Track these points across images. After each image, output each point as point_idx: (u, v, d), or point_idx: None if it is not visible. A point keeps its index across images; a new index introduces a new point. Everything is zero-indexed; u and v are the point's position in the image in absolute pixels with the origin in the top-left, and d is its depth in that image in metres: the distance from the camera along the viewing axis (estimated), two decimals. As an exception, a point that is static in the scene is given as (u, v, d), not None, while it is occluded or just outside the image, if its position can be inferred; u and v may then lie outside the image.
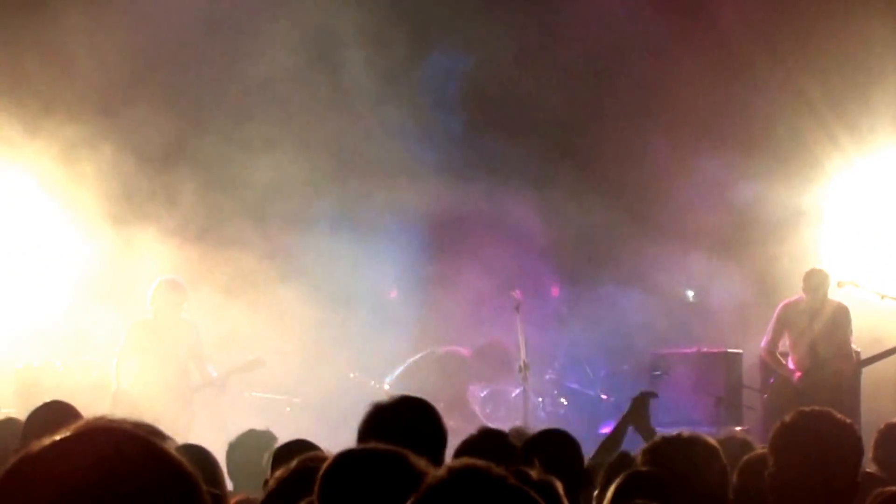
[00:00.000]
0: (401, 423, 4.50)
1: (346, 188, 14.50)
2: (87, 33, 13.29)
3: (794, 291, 12.97)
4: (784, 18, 14.19)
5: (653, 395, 7.51)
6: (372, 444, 3.73)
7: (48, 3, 13.39)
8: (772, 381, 12.83)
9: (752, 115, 14.50)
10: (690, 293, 15.15)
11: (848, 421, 4.47)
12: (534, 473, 4.13)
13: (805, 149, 14.11)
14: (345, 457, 3.64)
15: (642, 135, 14.96)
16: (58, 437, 2.00)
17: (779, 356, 12.51)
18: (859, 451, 4.41)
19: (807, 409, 4.49)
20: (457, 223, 14.82)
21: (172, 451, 2.04)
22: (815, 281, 12.37)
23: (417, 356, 13.20)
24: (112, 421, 2.05)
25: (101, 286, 13.16)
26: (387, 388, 13.18)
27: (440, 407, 12.03)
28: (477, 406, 13.01)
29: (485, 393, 13.26)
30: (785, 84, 14.21)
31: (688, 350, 13.80)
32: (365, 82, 14.31)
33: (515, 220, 14.76)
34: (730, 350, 13.72)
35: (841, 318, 12.35)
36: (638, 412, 7.33)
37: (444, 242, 14.81)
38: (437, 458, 4.33)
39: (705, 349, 13.72)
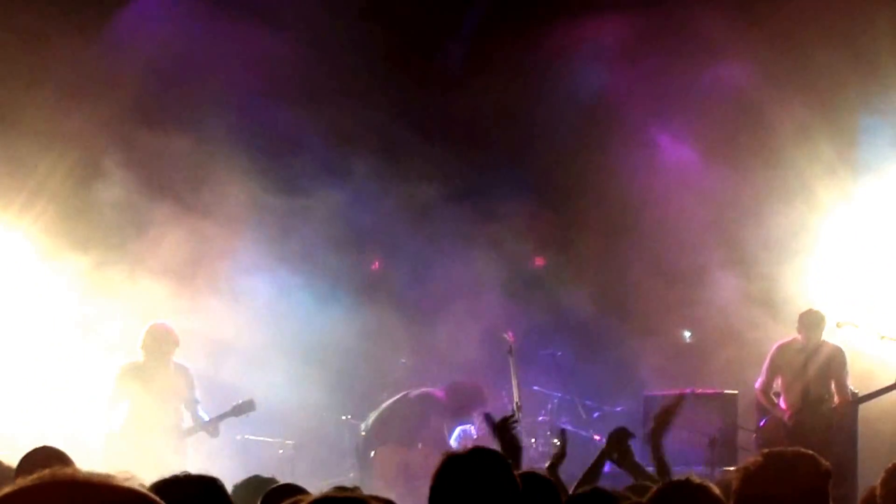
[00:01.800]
0: (474, 474, 4.49)
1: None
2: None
3: (791, 333, 12.99)
4: (782, 47, 14.20)
5: (629, 435, 7.42)
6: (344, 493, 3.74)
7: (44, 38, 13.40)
8: (763, 423, 12.81)
9: (749, 146, 14.50)
10: (687, 333, 15.14)
11: (809, 454, 4.49)
12: None
13: (801, 181, 14.12)
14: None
15: (647, 166, 15.01)
16: (15, 488, 1.98)
17: (772, 397, 12.50)
18: (825, 489, 4.42)
19: (770, 451, 4.52)
20: (448, 266, 14.85)
21: (137, 486, 2.01)
22: (810, 321, 12.38)
23: (391, 400, 13.14)
24: (78, 472, 2.01)
25: (97, 329, 13.13)
26: (363, 433, 13.11)
27: (419, 448, 12.06)
28: (466, 444, 12.94)
29: (479, 434, 13.19)
30: (783, 114, 14.21)
31: (682, 391, 13.74)
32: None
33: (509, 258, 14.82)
34: (725, 391, 13.70)
35: (837, 359, 12.35)
36: (613, 448, 7.30)
37: (436, 285, 14.79)
38: None
39: (699, 390, 13.69)
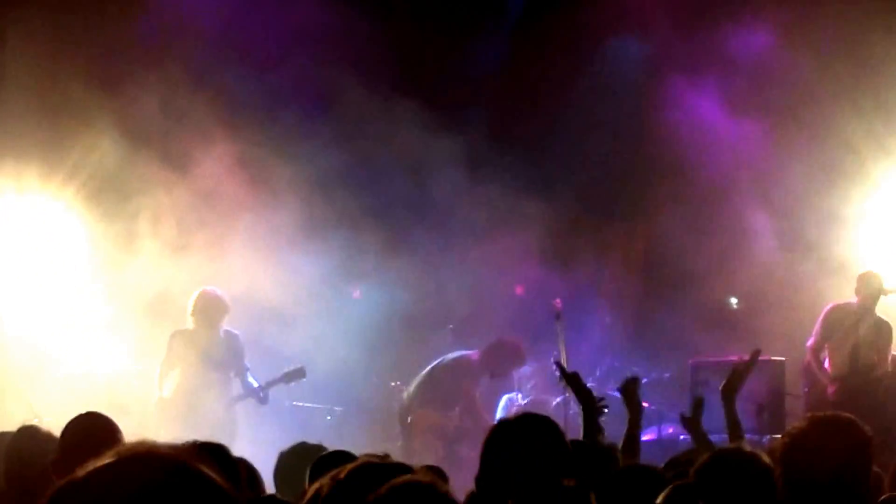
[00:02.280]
0: (523, 440, 4.51)
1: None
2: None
3: (839, 297, 12.94)
4: (832, 25, 14.10)
5: (636, 382, 7.46)
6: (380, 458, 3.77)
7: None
8: (806, 390, 12.77)
9: (800, 119, 14.42)
10: (734, 300, 15.08)
11: (851, 419, 4.53)
12: (566, 483, 4.15)
13: (853, 154, 14.03)
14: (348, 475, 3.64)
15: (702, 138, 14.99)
16: (99, 464, 2.03)
17: (820, 360, 12.39)
18: (866, 454, 4.45)
19: (813, 416, 4.59)
20: (497, 233, 14.89)
21: (214, 475, 2.07)
22: (867, 283, 12.31)
23: (430, 366, 13.17)
24: (152, 445, 2.07)
25: (145, 296, 13.23)
26: (405, 401, 13.16)
27: (455, 412, 12.14)
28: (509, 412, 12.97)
29: (526, 401, 13.24)
30: (834, 90, 14.12)
31: (730, 358, 13.70)
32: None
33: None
34: (773, 358, 13.62)
35: (885, 331, 12.37)
36: (630, 402, 7.31)
37: (485, 253, 14.82)
38: (560, 475, 4.39)
39: (747, 357, 13.60)
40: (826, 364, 12.50)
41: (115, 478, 2.01)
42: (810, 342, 12.56)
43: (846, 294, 13.18)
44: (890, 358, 12.36)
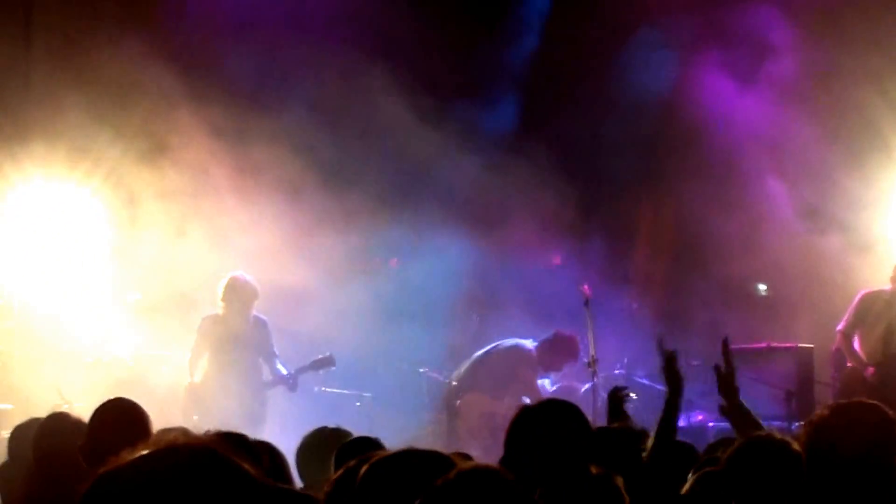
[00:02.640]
0: (547, 425, 4.55)
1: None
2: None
3: (866, 283, 12.88)
4: (858, 5, 14.06)
5: (674, 357, 6.67)
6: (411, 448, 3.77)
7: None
8: (835, 375, 12.74)
9: (826, 105, 14.37)
10: (762, 287, 15.06)
11: (874, 404, 4.52)
12: (593, 469, 4.15)
13: (880, 139, 13.97)
14: (384, 461, 3.68)
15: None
16: (135, 455, 2.11)
17: (851, 344, 12.33)
18: (890, 437, 4.42)
19: (836, 403, 4.58)
20: (522, 219, 14.92)
21: (245, 465, 2.14)
22: None
23: (483, 350, 13.17)
24: (186, 437, 2.15)
25: (173, 282, 13.29)
26: (454, 383, 13.18)
27: (506, 400, 12.08)
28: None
29: (554, 388, 13.25)
30: (859, 72, 14.06)
31: (759, 345, 13.72)
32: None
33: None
34: (801, 345, 13.62)
35: None
36: (671, 381, 6.53)
37: (507, 236, 14.84)
38: (584, 461, 4.41)
39: (776, 344, 13.64)
40: (858, 352, 12.43)
41: (150, 469, 2.08)
42: (840, 326, 12.47)
43: (875, 279, 13.14)
44: None
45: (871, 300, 12.32)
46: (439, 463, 3.47)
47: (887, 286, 12.39)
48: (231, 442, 4.66)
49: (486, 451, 9.90)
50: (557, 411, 4.65)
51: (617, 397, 7.27)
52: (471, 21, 15.24)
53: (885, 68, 13.96)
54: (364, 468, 3.65)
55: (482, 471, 3.17)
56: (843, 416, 4.47)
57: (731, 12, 14.65)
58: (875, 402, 4.60)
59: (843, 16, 14.13)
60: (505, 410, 12.38)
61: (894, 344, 12.19)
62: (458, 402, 12.89)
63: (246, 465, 2.14)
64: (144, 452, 2.11)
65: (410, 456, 3.66)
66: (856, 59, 14.03)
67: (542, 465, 4.40)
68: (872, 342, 12.26)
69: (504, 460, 4.59)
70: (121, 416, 5.87)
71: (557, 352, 12.88)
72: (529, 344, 12.96)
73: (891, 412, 4.51)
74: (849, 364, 12.42)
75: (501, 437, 11.46)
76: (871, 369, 12.16)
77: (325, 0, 14.64)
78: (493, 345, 13.17)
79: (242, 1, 14.28)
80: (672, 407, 6.43)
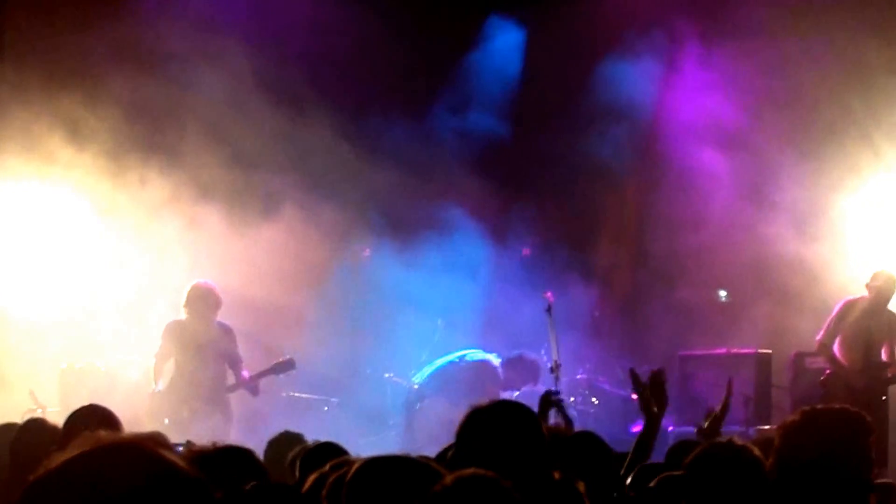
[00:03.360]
0: (499, 426, 4.47)
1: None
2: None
3: (824, 292, 13.09)
4: (821, 22, 14.24)
5: (663, 379, 6.74)
6: (398, 454, 3.84)
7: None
8: (791, 380, 12.93)
9: (791, 117, 14.54)
10: (723, 293, 15.21)
11: (848, 410, 4.49)
12: (556, 475, 4.23)
13: (842, 150, 14.16)
14: (370, 464, 3.73)
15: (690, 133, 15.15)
16: (67, 457, 2.10)
17: (832, 353, 12.34)
18: (864, 442, 4.41)
19: (807, 409, 4.52)
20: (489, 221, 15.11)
21: (176, 459, 2.13)
22: (881, 281, 12.26)
23: (447, 360, 13.32)
24: (119, 436, 2.15)
25: (146, 288, 13.39)
26: (416, 387, 13.32)
27: (466, 410, 12.22)
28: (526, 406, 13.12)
29: (517, 393, 13.40)
30: (823, 87, 14.25)
31: (718, 351, 13.91)
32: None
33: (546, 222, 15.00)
34: (760, 350, 13.80)
35: (895, 326, 12.32)
36: (649, 400, 6.66)
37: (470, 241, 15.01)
38: (537, 462, 4.35)
39: (735, 350, 13.82)
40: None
41: (83, 470, 2.07)
42: (819, 336, 12.48)
43: (838, 287, 13.33)
44: None
45: (849, 308, 12.34)
46: (426, 471, 3.56)
47: (863, 295, 12.38)
48: (236, 457, 4.78)
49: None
50: (506, 412, 4.57)
51: (548, 401, 7.39)
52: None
53: (852, 90, 14.13)
54: (352, 472, 3.70)
55: (480, 477, 3.16)
56: (814, 422, 4.47)
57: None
58: (847, 407, 4.60)
59: (811, 39, 14.35)
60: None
61: (875, 351, 12.27)
62: (419, 405, 13.05)
63: (182, 464, 2.13)
64: (77, 453, 2.09)
65: (399, 463, 3.74)
66: (826, 81, 14.21)
67: (492, 467, 4.41)
68: (853, 349, 12.28)
69: (452, 460, 4.55)
70: (94, 423, 5.92)
71: (520, 372, 13.15)
72: (495, 360, 13.20)
73: (864, 417, 4.50)
74: (828, 371, 12.42)
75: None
76: (854, 377, 12.18)
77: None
78: (459, 353, 13.34)
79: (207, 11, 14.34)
80: (656, 425, 6.71)
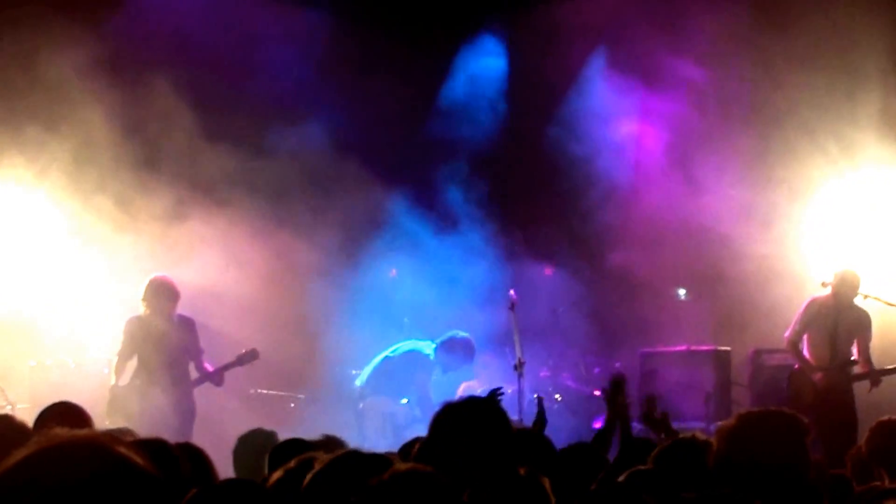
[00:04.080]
0: (467, 422, 4.55)
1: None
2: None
3: (782, 291, 13.29)
4: (774, 31, 14.42)
5: (622, 381, 7.34)
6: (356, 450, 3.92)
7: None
8: (750, 376, 13.12)
9: (745, 124, 14.70)
10: (682, 291, 15.34)
11: (784, 412, 4.51)
12: (521, 470, 4.30)
13: (794, 158, 14.33)
14: (334, 461, 3.83)
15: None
16: (19, 456, 2.12)
17: (800, 350, 12.38)
18: (800, 444, 4.43)
19: (743, 412, 4.54)
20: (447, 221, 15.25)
21: (132, 455, 2.15)
22: (846, 281, 12.31)
23: (382, 356, 13.44)
24: (72, 433, 2.16)
25: (115, 284, 13.45)
26: (358, 387, 13.42)
27: (405, 401, 12.46)
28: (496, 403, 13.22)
29: (481, 390, 13.49)
30: (775, 96, 14.43)
31: (679, 348, 14.08)
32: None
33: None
34: (719, 348, 13.97)
35: (864, 323, 12.34)
36: (613, 404, 7.20)
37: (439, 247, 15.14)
38: (504, 456, 4.44)
39: (695, 347, 13.99)
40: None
41: (36, 467, 2.09)
42: (787, 333, 12.53)
43: (790, 288, 13.52)
44: (869, 350, 12.36)
45: (816, 307, 12.39)
46: (380, 464, 3.64)
47: (827, 291, 12.40)
48: (149, 448, 4.83)
49: (390, 450, 10.14)
50: (476, 408, 4.68)
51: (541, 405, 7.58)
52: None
53: (801, 93, 14.31)
54: (315, 469, 3.80)
55: (416, 472, 3.21)
56: (749, 425, 4.49)
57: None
58: (782, 409, 4.63)
59: (742, 68, 14.56)
60: (406, 410, 12.75)
61: (840, 350, 12.34)
62: (362, 404, 13.19)
63: (138, 459, 2.14)
64: (29, 451, 2.11)
65: (353, 458, 3.86)
66: (778, 85, 14.41)
67: (463, 461, 4.45)
68: (819, 346, 12.34)
69: (421, 453, 4.66)
70: (64, 420, 6.02)
71: (453, 354, 13.22)
72: (427, 347, 13.30)
73: (802, 421, 4.52)
74: (796, 367, 12.47)
75: (404, 435, 11.71)
76: (818, 375, 12.23)
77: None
78: (392, 348, 13.46)
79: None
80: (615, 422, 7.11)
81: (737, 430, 4.44)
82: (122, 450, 2.15)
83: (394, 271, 14.97)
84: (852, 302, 12.35)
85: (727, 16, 14.41)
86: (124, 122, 13.80)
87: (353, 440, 8.50)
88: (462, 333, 13.29)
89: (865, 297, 12.51)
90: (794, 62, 14.29)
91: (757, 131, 14.61)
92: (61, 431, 2.18)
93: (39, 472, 2.08)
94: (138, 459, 2.16)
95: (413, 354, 13.28)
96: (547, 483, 4.29)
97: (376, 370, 13.31)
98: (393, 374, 13.14)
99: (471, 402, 4.78)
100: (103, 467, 2.10)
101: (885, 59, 14.04)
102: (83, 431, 2.19)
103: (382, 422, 12.91)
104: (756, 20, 14.46)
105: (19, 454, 2.12)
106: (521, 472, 4.30)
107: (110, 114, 13.65)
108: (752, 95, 14.66)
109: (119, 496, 2.09)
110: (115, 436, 2.24)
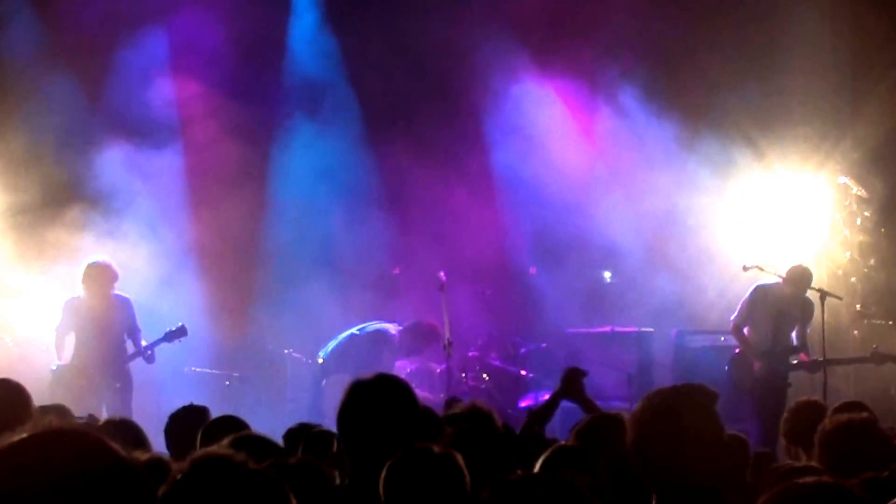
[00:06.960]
0: (377, 400, 4.71)
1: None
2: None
3: (711, 274, 13.62)
4: (706, 32, 14.74)
5: (583, 372, 7.35)
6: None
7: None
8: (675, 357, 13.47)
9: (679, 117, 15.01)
10: (608, 274, 15.54)
11: (685, 391, 4.37)
12: (435, 448, 4.40)
13: (723, 152, 14.60)
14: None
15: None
16: (14, 440, 2.12)
17: (744, 334, 12.44)
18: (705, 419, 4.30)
19: (651, 393, 4.41)
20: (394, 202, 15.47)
21: (122, 451, 2.18)
22: (796, 275, 12.32)
23: (347, 333, 13.68)
24: (66, 422, 2.23)
25: (57, 269, 13.62)
26: (320, 361, 13.64)
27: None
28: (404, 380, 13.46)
29: (411, 369, 13.72)
30: (709, 95, 14.76)
31: (603, 329, 14.36)
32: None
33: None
34: (643, 329, 14.26)
35: (808, 310, 12.36)
36: (570, 387, 7.31)
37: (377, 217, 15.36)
38: (412, 433, 4.56)
39: (619, 328, 14.28)
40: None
41: (30, 453, 2.09)
42: (733, 316, 12.59)
43: (719, 271, 13.85)
44: (808, 336, 12.43)
45: (762, 293, 12.43)
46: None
47: (778, 281, 12.39)
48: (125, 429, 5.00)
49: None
50: (385, 386, 4.81)
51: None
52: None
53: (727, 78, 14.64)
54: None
55: (213, 458, 3.03)
56: (657, 406, 4.27)
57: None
58: (686, 384, 4.42)
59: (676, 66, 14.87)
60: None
61: (784, 335, 12.37)
62: (325, 381, 13.38)
63: (125, 454, 2.16)
64: (22, 436, 2.10)
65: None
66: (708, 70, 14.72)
67: (372, 438, 4.60)
68: (760, 333, 12.39)
69: (338, 434, 4.79)
70: (4, 396, 6.04)
71: (419, 338, 13.47)
72: (392, 329, 13.52)
73: (709, 390, 4.36)
74: (737, 351, 12.56)
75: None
76: (757, 363, 12.26)
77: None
78: (358, 327, 13.67)
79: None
80: (555, 400, 7.29)
81: (642, 409, 4.30)
82: (116, 446, 2.17)
83: (397, 270, 15.08)
84: (802, 295, 12.36)
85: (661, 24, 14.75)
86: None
87: (306, 417, 8.71)
88: (427, 319, 13.52)
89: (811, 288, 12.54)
90: (715, 53, 14.62)
91: (685, 112, 14.87)
92: (54, 419, 2.22)
93: (29, 458, 2.09)
94: (124, 453, 2.19)
95: (380, 333, 13.49)
96: (461, 460, 4.36)
97: (340, 347, 13.49)
98: (359, 353, 13.32)
99: (378, 379, 4.88)
100: (92, 460, 2.12)
101: (811, 57, 14.43)
102: (72, 422, 2.26)
103: None
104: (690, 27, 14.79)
105: (10, 438, 2.13)
106: (436, 449, 4.38)
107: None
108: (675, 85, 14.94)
109: (108, 488, 2.12)
110: (61, 412, 2.38)
